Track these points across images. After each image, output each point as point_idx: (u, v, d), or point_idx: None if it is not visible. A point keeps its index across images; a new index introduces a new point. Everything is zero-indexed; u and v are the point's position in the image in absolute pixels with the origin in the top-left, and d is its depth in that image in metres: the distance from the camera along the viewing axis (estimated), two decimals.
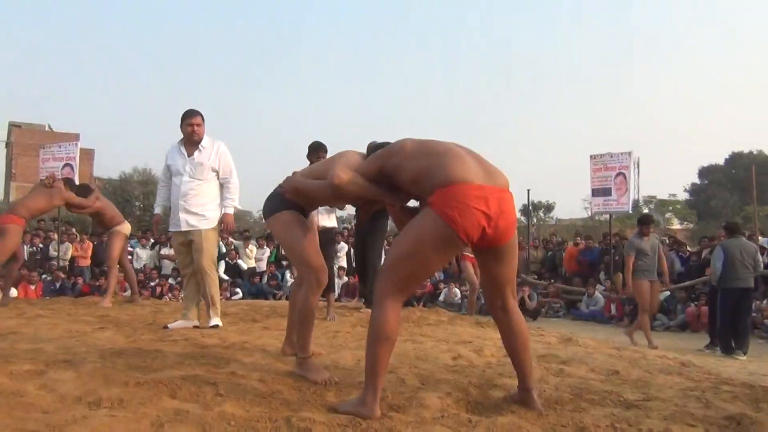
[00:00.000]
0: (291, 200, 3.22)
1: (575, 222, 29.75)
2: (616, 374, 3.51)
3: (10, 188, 32.18)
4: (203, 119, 4.94)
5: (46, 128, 35.40)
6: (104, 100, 70.46)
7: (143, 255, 13.95)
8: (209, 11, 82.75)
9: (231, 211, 5.00)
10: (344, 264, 13.27)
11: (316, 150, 5.68)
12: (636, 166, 11.97)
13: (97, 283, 11.81)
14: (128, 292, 8.50)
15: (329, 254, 5.63)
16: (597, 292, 12.44)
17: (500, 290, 2.71)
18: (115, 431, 2.15)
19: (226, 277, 12.47)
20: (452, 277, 12.62)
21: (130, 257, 10.12)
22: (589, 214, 25.37)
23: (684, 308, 10.93)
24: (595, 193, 13.37)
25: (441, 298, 12.79)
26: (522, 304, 11.14)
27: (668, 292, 10.87)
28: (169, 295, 11.91)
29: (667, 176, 67.61)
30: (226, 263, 13.27)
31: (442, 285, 13.20)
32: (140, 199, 28.71)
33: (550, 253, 15.07)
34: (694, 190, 42.73)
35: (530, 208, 24.88)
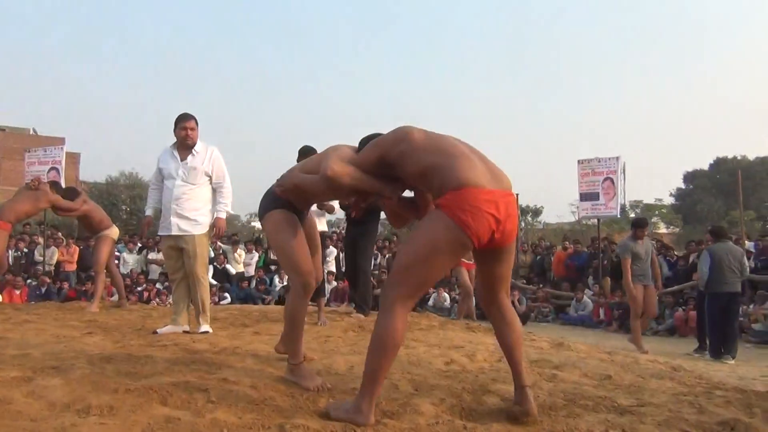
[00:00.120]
0: (283, 198, 3.16)
1: (563, 226, 29.88)
2: (608, 379, 3.50)
3: None
4: (197, 123, 4.92)
5: (31, 132, 35.11)
6: (89, 104, 69.97)
7: (130, 260, 13.82)
8: (195, 14, 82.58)
9: (223, 215, 4.98)
10: (333, 268, 13.23)
11: (307, 154, 5.65)
12: (622, 170, 12.06)
13: (84, 288, 11.69)
14: (115, 297, 8.43)
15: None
16: (586, 297, 12.49)
17: (497, 288, 2.71)
18: None
19: (214, 282, 12.37)
20: (442, 281, 12.60)
21: (117, 262, 10.03)
22: (577, 218, 25.52)
23: (672, 313, 10.99)
24: (583, 197, 13.44)
25: (430, 302, 12.76)
26: None
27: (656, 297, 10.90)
28: (157, 299, 11.80)
29: (652, 181, 68.08)
30: (215, 268, 13.18)
31: (431, 289, 13.17)
32: (127, 203, 28.50)
33: (538, 257, 15.10)
34: (679, 194, 43.08)
35: (518, 212, 24.94)
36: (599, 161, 13.19)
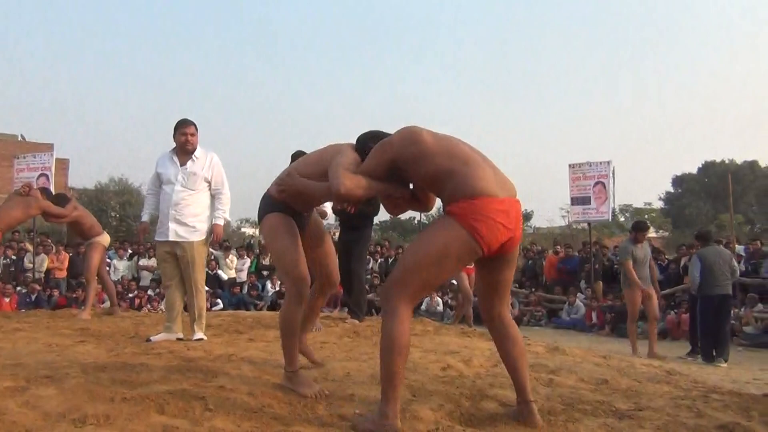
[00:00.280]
0: (279, 201, 3.13)
1: (553, 230, 29.98)
2: (605, 383, 3.51)
3: None
4: (197, 129, 4.89)
5: (19, 138, 34.81)
6: (78, 110, 69.34)
7: (121, 266, 13.73)
8: (184, 18, 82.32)
9: (221, 222, 4.96)
10: None
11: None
12: (612, 175, 12.05)
13: (74, 295, 11.60)
14: (107, 304, 8.36)
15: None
16: (578, 301, 12.53)
17: (498, 298, 2.71)
18: None
19: (206, 288, 12.31)
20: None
21: (108, 269, 9.95)
22: (567, 222, 25.61)
23: (664, 316, 11.04)
24: (575, 201, 13.49)
25: (423, 307, 12.76)
26: None
27: None
28: (148, 306, 11.73)
29: (642, 185, 68.46)
30: (206, 274, 13.10)
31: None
32: (116, 210, 28.36)
33: (530, 261, 15.13)
34: (668, 198, 43.35)
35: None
36: (590, 165, 13.25)
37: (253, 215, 34.42)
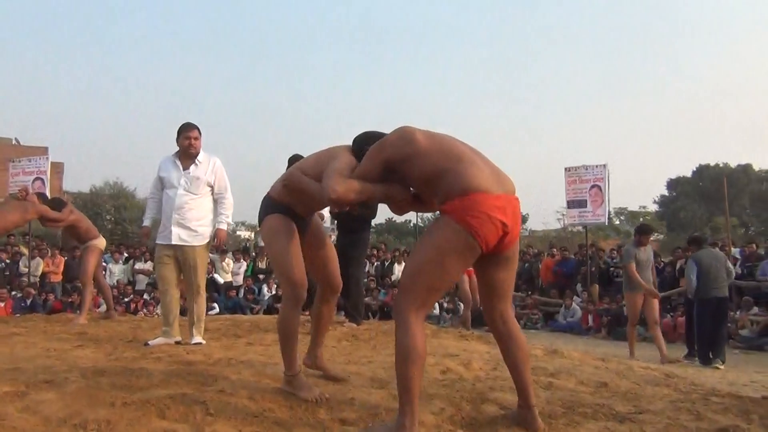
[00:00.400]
0: (280, 203, 3.11)
1: (549, 233, 30.03)
2: (605, 386, 3.51)
3: None
4: (200, 133, 4.89)
5: (13, 142, 34.70)
6: (72, 113, 69.21)
7: (116, 270, 13.69)
8: (179, 22, 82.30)
9: (225, 226, 4.97)
10: None
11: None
12: (607, 178, 12.05)
13: (70, 300, 11.54)
14: (103, 308, 8.33)
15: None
16: (574, 304, 12.55)
17: (500, 299, 2.67)
18: None
19: None
20: None
21: (103, 272, 9.91)
22: (563, 225, 25.66)
23: (660, 319, 11.05)
24: (571, 204, 13.50)
25: None
26: None
27: None
28: (144, 310, 11.68)
29: (636, 188, 68.70)
30: None
31: None
32: (111, 213, 28.28)
33: (526, 264, 15.13)
34: (663, 201, 43.53)
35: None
36: (586, 169, 13.26)
37: (249, 218, 34.44)
